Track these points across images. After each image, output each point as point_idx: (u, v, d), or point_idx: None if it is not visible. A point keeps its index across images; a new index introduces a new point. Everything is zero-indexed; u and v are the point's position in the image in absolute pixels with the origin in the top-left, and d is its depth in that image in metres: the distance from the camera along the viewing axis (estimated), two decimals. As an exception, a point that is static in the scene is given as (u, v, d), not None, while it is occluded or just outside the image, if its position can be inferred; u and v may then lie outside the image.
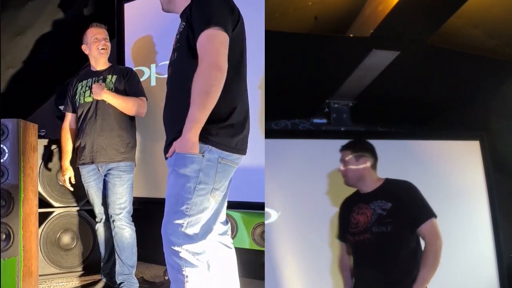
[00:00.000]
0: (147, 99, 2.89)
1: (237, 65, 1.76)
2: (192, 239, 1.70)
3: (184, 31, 1.77)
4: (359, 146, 2.20)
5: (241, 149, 1.78)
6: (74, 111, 2.93)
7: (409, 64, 2.76)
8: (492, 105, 3.04)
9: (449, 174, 2.94)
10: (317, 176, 2.82)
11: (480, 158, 3.02)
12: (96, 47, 2.87)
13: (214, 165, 1.70)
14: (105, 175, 2.81)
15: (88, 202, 3.00)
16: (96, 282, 3.00)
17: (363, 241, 2.09)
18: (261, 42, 2.58)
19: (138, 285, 2.86)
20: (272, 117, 3.06)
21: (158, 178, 3.31)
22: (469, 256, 2.85)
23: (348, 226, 2.19)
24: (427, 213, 2.05)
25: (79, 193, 3.18)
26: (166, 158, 1.78)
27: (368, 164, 2.16)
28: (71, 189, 3.00)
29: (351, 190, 2.26)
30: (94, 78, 2.88)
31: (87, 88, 2.86)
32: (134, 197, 2.92)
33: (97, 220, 2.95)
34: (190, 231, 1.70)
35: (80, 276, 3.25)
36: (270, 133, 2.81)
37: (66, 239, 3.25)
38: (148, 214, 3.31)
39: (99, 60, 2.91)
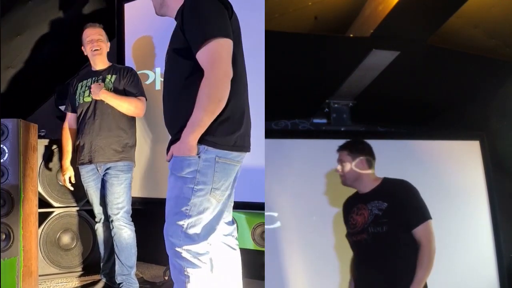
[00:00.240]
0: (146, 99, 2.90)
1: (232, 61, 1.71)
2: (193, 239, 1.70)
3: (176, 33, 1.77)
4: (356, 146, 2.20)
5: (241, 146, 1.76)
6: (74, 111, 2.94)
7: (409, 64, 2.76)
8: (492, 105, 3.04)
9: (449, 174, 2.94)
10: (317, 176, 2.82)
11: (480, 158, 3.02)
12: (90, 48, 2.88)
13: (212, 165, 1.69)
14: (104, 175, 2.81)
15: (88, 202, 3.01)
16: (95, 282, 3.00)
17: (361, 241, 2.10)
18: (261, 42, 2.58)
19: (137, 285, 2.86)
20: (272, 117, 3.06)
21: (158, 178, 3.31)
22: (469, 256, 2.85)
23: (348, 227, 2.20)
24: (422, 215, 2.05)
25: (79, 193, 3.18)
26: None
27: (365, 164, 2.16)
28: (71, 188, 3.00)
29: (350, 190, 2.26)
30: (93, 78, 2.89)
31: (86, 88, 2.86)
32: (134, 197, 2.92)
33: (96, 220, 2.95)
34: (191, 231, 1.70)
35: (80, 276, 3.25)
36: (270, 133, 2.81)
37: (66, 239, 3.25)
38: (148, 214, 3.32)
39: (95, 60, 2.91)
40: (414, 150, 2.97)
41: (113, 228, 2.79)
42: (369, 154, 2.19)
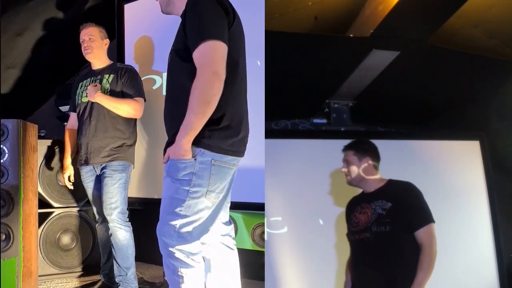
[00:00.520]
0: (145, 100, 2.87)
1: (231, 66, 1.72)
2: (186, 239, 1.70)
3: (179, 34, 1.78)
4: (362, 146, 2.20)
5: (236, 151, 1.76)
6: (75, 111, 2.94)
7: (409, 64, 2.76)
8: (492, 105, 3.04)
9: (449, 174, 2.94)
10: (317, 176, 2.82)
11: (480, 158, 3.02)
12: (82, 49, 2.89)
13: (208, 168, 1.69)
14: (100, 175, 2.80)
15: (88, 203, 3.01)
16: (95, 283, 3.00)
17: (363, 240, 2.10)
18: (261, 42, 2.58)
19: (136, 286, 2.85)
20: (272, 117, 3.06)
21: (158, 178, 3.31)
22: (469, 256, 2.85)
23: (350, 226, 2.20)
24: (425, 218, 2.05)
25: (78, 193, 3.18)
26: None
27: (371, 164, 2.16)
28: (72, 188, 3.00)
29: (352, 190, 2.26)
30: (92, 78, 2.88)
31: (85, 88, 2.86)
32: (133, 198, 2.91)
33: (96, 220, 2.95)
34: (184, 231, 1.70)
35: (80, 276, 3.25)
36: (270, 133, 2.81)
37: (65, 239, 3.25)
38: (148, 214, 3.31)
39: (89, 60, 2.92)
40: (414, 150, 2.97)
41: (109, 229, 2.78)
42: (375, 154, 2.19)
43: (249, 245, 2.94)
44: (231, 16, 1.74)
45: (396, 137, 3.01)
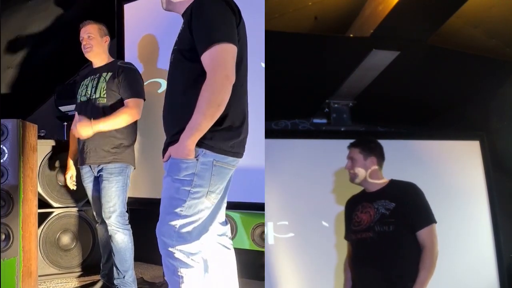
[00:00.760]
0: (145, 99, 2.82)
1: (236, 67, 1.71)
2: (186, 239, 1.70)
3: (183, 33, 1.76)
4: (368, 145, 2.20)
5: (237, 152, 1.76)
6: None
7: (409, 64, 2.76)
8: (492, 105, 3.04)
9: (449, 174, 2.95)
10: (317, 176, 2.82)
11: (480, 158, 3.03)
12: (82, 47, 2.88)
13: (209, 168, 1.70)
14: (98, 177, 2.80)
15: (88, 203, 3.00)
16: (95, 283, 3.00)
17: (365, 239, 2.09)
18: (261, 42, 2.58)
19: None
20: (272, 117, 3.06)
21: (158, 178, 3.28)
22: (469, 256, 2.85)
23: (351, 225, 2.19)
24: (427, 218, 2.05)
25: (78, 193, 3.17)
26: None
27: (376, 163, 2.16)
28: (74, 187, 3.00)
29: (352, 190, 2.26)
30: (91, 77, 2.86)
31: (84, 87, 2.85)
32: (134, 198, 2.90)
33: (96, 220, 2.94)
34: (184, 232, 1.70)
35: (79, 276, 3.25)
36: (270, 133, 2.81)
37: (65, 239, 3.25)
38: (148, 214, 3.30)
39: (89, 58, 2.91)
40: (414, 150, 2.97)
41: (108, 231, 2.78)
42: (380, 154, 2.19)
43: (248, 245, 2.93)
44: (238, 18, 1.74)
45: (396, 137, 3.01)
